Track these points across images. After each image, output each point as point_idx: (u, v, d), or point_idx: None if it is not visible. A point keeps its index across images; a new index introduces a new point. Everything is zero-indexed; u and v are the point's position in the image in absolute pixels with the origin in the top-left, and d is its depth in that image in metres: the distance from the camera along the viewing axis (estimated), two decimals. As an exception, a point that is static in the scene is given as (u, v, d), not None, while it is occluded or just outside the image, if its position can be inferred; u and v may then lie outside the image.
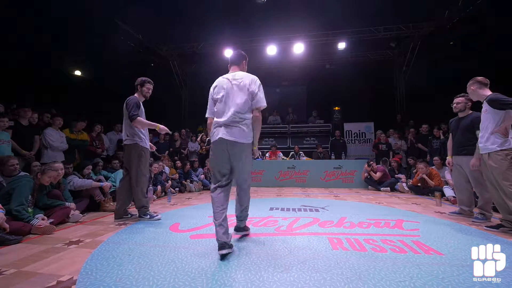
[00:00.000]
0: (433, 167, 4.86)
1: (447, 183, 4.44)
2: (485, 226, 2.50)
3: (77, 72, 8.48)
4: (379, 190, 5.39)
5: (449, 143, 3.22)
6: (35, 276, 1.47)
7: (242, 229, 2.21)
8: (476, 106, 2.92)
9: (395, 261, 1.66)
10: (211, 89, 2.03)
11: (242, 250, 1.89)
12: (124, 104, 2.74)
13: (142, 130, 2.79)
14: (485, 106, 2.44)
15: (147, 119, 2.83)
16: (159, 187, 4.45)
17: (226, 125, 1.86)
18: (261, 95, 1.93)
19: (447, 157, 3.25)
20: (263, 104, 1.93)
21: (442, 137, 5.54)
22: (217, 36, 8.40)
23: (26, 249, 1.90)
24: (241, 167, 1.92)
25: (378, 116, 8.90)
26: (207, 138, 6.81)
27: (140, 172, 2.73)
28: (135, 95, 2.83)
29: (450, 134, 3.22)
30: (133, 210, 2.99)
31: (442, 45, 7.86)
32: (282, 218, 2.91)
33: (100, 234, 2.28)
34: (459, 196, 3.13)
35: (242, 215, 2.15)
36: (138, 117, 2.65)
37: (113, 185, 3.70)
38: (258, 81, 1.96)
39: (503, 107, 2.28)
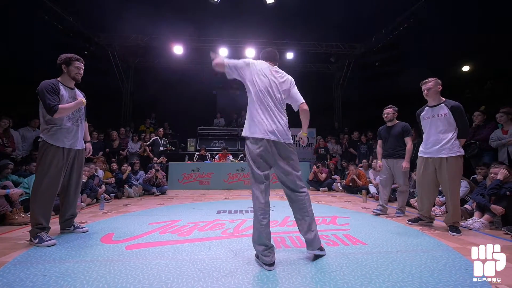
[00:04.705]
0: (361, 168, 5.63)
1: (371, 182, 5.21)
2: (408, 221, 2.87)
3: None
4: (319, 190, 5.94)
5: (379, 149, 3.50)
6: None
7: None
8: (401, 116, 3.45)
9: (329, 254, 1.85)
10: None
11: (186, 257, 1.80)
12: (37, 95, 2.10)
13: (59, 122, 2.14)
14: (444, 110, 2.51)
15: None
16: (84, 196, 3.82)
17: None
18: None
19: (378, 161, 3.48)
20: None
21: (370, 142, 6.49)
22: (165, 31, 7.88)
23: None
24: None
25: (319, 123, 9.81)
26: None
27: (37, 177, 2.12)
28: (58, 78, 2.20)
29: (380, 141, 3.52)
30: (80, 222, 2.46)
31: (370, 65, 9.23)
32: (229, 220, 2.90)
33: (3, 254, 1.84)
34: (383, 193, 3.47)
35: None
36: (60, 106, 2.05)
37: (26, 192, 3.05)
38: None
39: (461, 119, 2.45)
